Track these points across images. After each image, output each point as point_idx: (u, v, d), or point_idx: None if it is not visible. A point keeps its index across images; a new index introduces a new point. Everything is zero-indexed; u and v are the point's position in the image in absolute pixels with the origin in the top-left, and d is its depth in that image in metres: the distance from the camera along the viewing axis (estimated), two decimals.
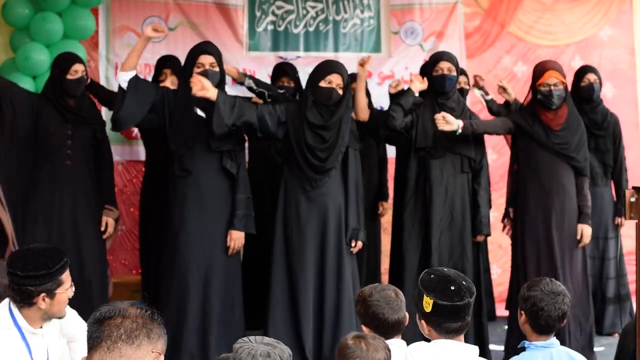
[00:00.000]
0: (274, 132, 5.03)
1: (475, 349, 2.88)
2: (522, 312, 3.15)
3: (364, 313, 3.22)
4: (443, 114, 5.08)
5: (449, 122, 5.06)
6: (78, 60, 5.19)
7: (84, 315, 3.51)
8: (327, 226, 5.03)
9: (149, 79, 6.59)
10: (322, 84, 5.02)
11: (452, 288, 2.81)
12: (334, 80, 5.01)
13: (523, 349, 3.16)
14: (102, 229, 5.17)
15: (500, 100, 6.35)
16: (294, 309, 5.00)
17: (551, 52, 7.25)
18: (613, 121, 5.96)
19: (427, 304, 2.82)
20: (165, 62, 5.81)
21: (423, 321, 2.87)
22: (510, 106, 6.09)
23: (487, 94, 6.31)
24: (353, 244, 5.06)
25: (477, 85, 6.35)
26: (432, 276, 2.88)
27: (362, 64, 5.45)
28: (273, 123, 4.99)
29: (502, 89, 6.14)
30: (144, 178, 6.12)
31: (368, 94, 6.28)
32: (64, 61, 5.17)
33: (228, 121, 4.79)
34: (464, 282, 2.84)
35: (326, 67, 5.10)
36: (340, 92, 5.03)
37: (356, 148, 5.16)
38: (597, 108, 5.92)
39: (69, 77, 5.09)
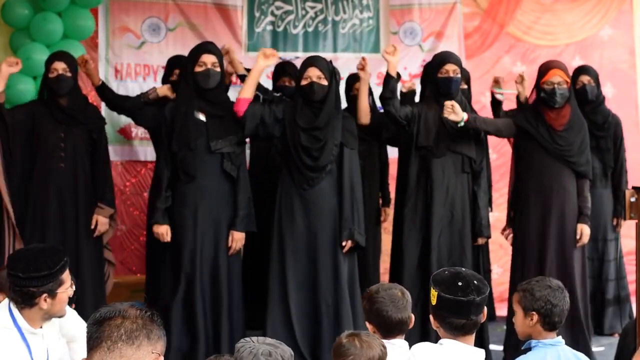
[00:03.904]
0: (271, 131, 5.07)
1: (481, 353, 2.88)
2: (534, 312, 3.11)
3: (368, 309, 3.22)
4: (453, 102, 5.09)
5: (455, 112, 5.06)
6: (59, 58, 5.14)
7: (81, 314, 3.53)
8: (321, 226, 5.03)
9: (150, 79, 6.64)
10: (303, 82, 5.05)
11: (460, 284, 2.82)
12: (311, 75, 5.01)
13: (527, 349, 3.16)
14: (92, 227, 5.16)
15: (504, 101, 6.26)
16: (289, 308, 5.00)
17: (550, 52, 7.24)
18: (614, 122, 5.93)
19: (433, 296, 2.84)
20: (177, 62, 5.80)
21: (431, 315, 2.90)
22: (520, 103, 6.00)
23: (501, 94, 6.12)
24: (344, 243, 5.05)
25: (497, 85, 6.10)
26: (445, 272, 2.91)
27: (361, 68, 5.43)
28: (271, 122, 5.03)
29: (521, 79, 5.91)
30: (152, 180, 6.10)
31: (370, 93, 6.28)
32: (46, 60, 5.19)
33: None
34: (474, 281, 2.84)
35: (302, 64, 5.13)
36: (324, 82, 5.01)
37: (354, 147, 5.16)
38: (598, 109, 5.89)
39: (50, 75, 5.10)
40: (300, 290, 5.01)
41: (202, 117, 4.96)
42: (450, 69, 5.22)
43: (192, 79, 4.98)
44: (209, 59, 4.95)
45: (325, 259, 5.02)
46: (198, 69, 4.95)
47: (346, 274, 5.06)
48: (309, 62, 5.09)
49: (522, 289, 3.21)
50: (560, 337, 3.16)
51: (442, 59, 5.33)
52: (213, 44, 5.21)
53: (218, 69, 4.97)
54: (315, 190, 5.04)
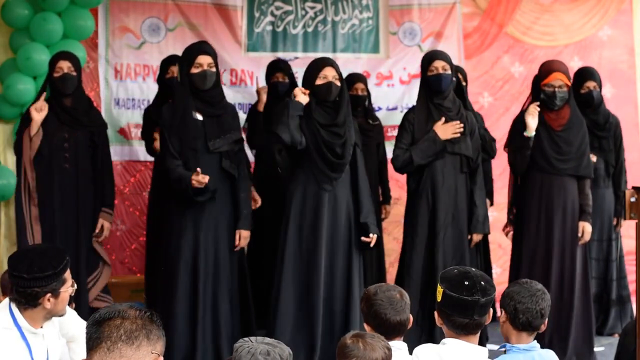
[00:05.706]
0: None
1: (484, 351, 2.88)
2: (502, 309, 3.11)
3: (367, 311, 3.21)
4: None
5: None
6: (64, 57, 5.15)
7: (79, 313, 3.54)
8: (338, 226, 5.01)
9: (150, 80, 6.65)
10: (319, 81, 5.00)
11: (466, 283, 2.83)
12: (328, 74, 4.99)
13: (503, 351, 3.14)
14: (97, 231, 5.17)
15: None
16: (306, 309, 4.96)
17: (549, 52, 7.24)
18: (614, 122, 5.93)
19: (439, 292, 2.86)
20: (173, 60, 5.77)
21: (436, 312, 2.91)
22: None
23: None
24: (371, 235, 5.01)
25: None
26: (454, 270, 2.92)
27: None
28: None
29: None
30: (152, 180, 6.10)
31: (368, 94, 6.29)
32: (50, 60, 5.19)
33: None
34: (482, 282, 2.84)
35: (317, 64, 5.09)
36: (338, 83, 5.02)
37: (360, 147, 5.17)
38: (599, 109, 5.88)
39: (55, 74, 5.10)
40: (319, 291, 4.95)
41: (199, 116, 4.96)
42: (439, 65, 5.18)
43: (188, 80, 4.97)
44: (205, 60, 4.93)
45: (341, 260, 5.00)
46: (194, 70, 4.92)
47: (357, 274, 5.06)
48: (325, 62, 5.07)
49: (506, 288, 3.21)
50: (535, 342, 3.10)
51: (430, 57, 5.29)
52: (208, 44, 5.19)
53: (214, 69, 4.96)
54: (335, 190, 5.03)
